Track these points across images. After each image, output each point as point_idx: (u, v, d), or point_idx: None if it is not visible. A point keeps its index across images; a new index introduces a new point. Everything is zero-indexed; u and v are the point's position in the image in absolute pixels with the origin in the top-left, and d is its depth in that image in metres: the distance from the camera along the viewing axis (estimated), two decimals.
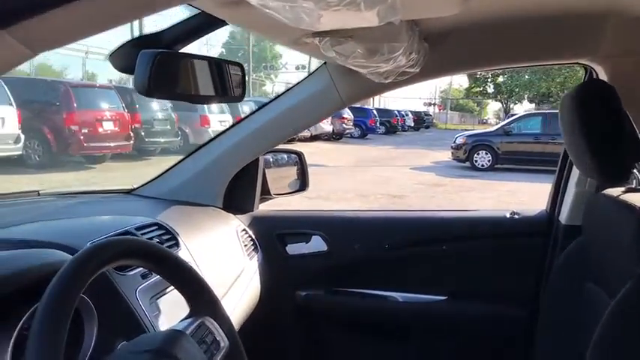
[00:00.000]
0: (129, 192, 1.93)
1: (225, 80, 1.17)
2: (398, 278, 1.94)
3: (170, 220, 1.49)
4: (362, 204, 9.06)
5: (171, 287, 1.23)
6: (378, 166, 14.60)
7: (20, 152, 10.27)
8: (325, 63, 1.71)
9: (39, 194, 1.80)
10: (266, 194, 2.10)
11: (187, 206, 1.81)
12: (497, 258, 1.88)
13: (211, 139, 1.95)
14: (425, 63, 1.50)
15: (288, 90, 1.86)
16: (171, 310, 1.21)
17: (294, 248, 1.99)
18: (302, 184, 2.27)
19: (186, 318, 1.00)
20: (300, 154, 2.25)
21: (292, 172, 2.40)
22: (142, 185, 1.92)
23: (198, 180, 1.88)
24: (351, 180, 11.21)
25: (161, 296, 1.21)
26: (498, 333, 1.87)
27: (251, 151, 1.88)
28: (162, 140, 13.80)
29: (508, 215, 1.88)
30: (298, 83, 1.84)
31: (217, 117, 15.44)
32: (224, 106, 16.06)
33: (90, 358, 0.98)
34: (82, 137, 11.13)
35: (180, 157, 1.95)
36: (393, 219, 2.01)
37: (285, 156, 2.35)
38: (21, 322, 0.91)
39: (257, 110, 1.90)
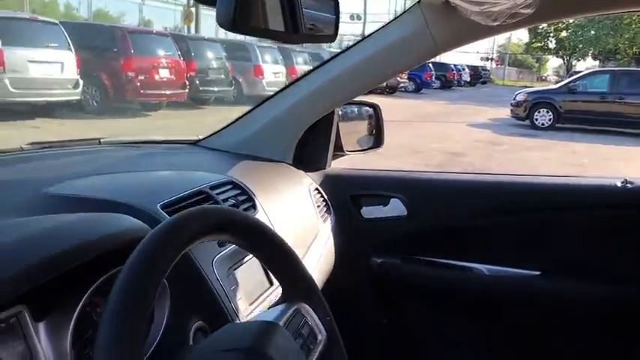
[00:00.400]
0: (194, 143, 1.79)
1: (319, 16, 0.99)
2: (485, 249, 1.74)
3: (244, 178, 1.33)
4: (417, 160, 8.85)
5: (249, 256, 1.09)
6: (434, 121, 14.25)
7: (79, 97, 10.36)
8: (419, 2, 1.49)
9: (100, 142, 1.69)
10: (338, 150, 1.94)
11: (258, 162, 1.65)
12: (603, 231, 1.65)
13: (283, 88, 1.77)
14: (539, 4, 1.28)
15: (371, 34, 1.65)
16: (248, 283, 1.07)
17: (369, 211, 1.82)
18: (376, 140, 2.08)
19: (277, 304, 0.84)
20: (375, 107, 2.05)
21: (364, 126, 2.22)
22: (208, 136, 1.78)
23: (268, 133, 1.72)
24: (406, 135, 10.91)
25: (238, 267, 1.06)
26: (599, 314, 1.66)
27: (327, 102, 1.69)
28: (216, 89, 13.74)
29: (619, 184, 1.64)
30: (384, 26, 1.62)
31: (271, 68, 15.28)
32: (278, 56, 15.89)
33: (160, 341, 0.84)
34: (138, 84, 11.15)
35: (234, 108, 1.79)
36: (483, 183, 1.79)
37: (356, 109, 2.17)
38: (84, 298, 0.78)
39: (335, 57, 1.70)
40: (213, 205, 1.11)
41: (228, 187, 1.24)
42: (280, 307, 0.82)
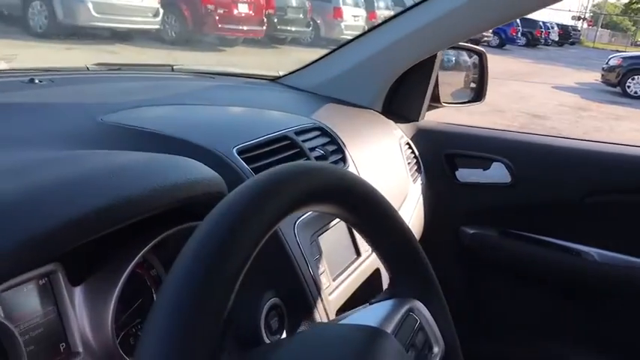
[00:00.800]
0: (274, 79, 1.60)
1: None
2: (599, 231, 1.48)
3: (331, 123, 1.13)
4: (497, 120, 8.42)
5: (336, 220, 0.90)
6: (517, 80, 13.50)
7: (158, 26, 10.34)
8: None
9: (173, 69, 1.53)
10: (433, 101, 1.70)
11: (344, 106, 1.45)
12: None
13: (378, 25, 1.54)
14: None
15: None
16: (333, 253, 0.88)
17: (466, 174, 1.59)
18: (478, 93, 1.83)
19: (384, 298, 0.62)
20: (482, 55, 1.79)
21: (462, 76, 1.96)
22: (290, 73, 1.59)
23: (358, 75, 1.51)
24: (488, 93, 10.39)
25: (323, 232, 0.87)
26: None
27: (429, 44, 1.46)
28: (293, 29, 13.42)
29: None
30: None
31: (351, 10, 14.76)
32: None
33: (227, 322, 0.67)
34: (217, 17, 11.01)
35: (310, 49, 1.58)
36: (606, 154, 1.51)
37: (454, 57, 1.91)
38: (136, 258, 0.61)
39: None
40: (308, 160, 0.93)
41: (316, 133, 1.05)
42: (387, 304, 0.60)
